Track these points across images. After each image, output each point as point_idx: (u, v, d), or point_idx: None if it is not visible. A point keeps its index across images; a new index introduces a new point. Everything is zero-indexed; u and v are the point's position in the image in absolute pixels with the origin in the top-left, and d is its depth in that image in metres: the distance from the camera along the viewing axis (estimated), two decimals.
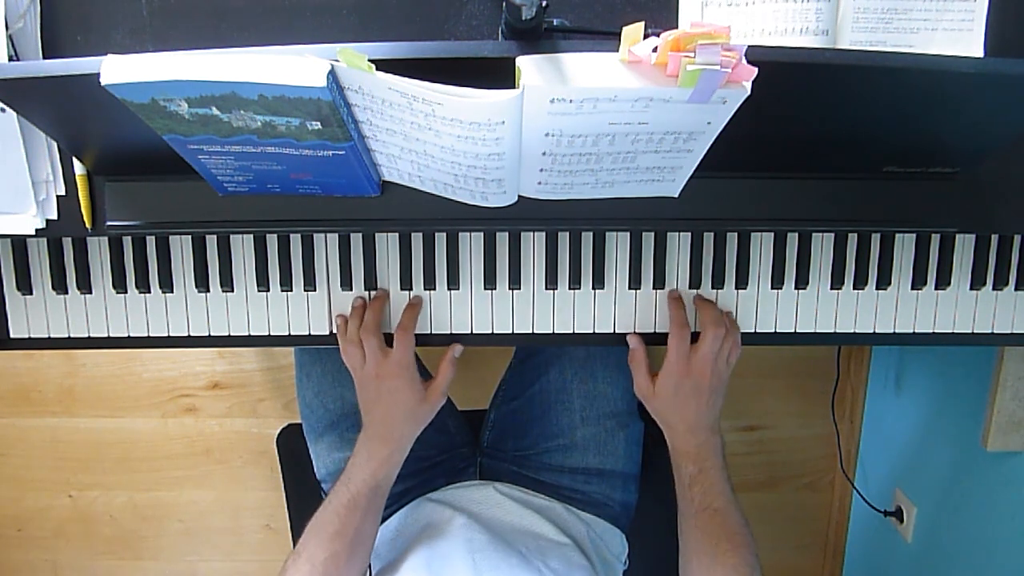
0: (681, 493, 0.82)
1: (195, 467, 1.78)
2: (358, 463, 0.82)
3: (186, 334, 0.84)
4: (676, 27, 0.62)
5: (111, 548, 1.84)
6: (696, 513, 0.79)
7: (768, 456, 1.74)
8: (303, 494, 1.14)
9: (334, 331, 0.84)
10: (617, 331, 0.84)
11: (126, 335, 0.84)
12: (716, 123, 0.57)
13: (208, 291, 0.83)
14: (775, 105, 0.58)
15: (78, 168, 0.74)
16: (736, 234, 0.82)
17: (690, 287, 0.83)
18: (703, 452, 0.80)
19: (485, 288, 0.83)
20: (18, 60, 0.69)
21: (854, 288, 0.84)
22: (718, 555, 0.76)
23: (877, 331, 0.85)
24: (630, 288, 0.83)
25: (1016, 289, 0.83)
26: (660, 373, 0.81)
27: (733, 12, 0.67)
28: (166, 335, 0.84)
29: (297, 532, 1.17)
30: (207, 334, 0.84)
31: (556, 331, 0.84)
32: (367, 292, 0.83)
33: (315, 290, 0.83)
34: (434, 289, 0.83)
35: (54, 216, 0.75)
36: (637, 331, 0.83)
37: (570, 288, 0.83)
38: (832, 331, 0.84)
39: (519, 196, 0.69)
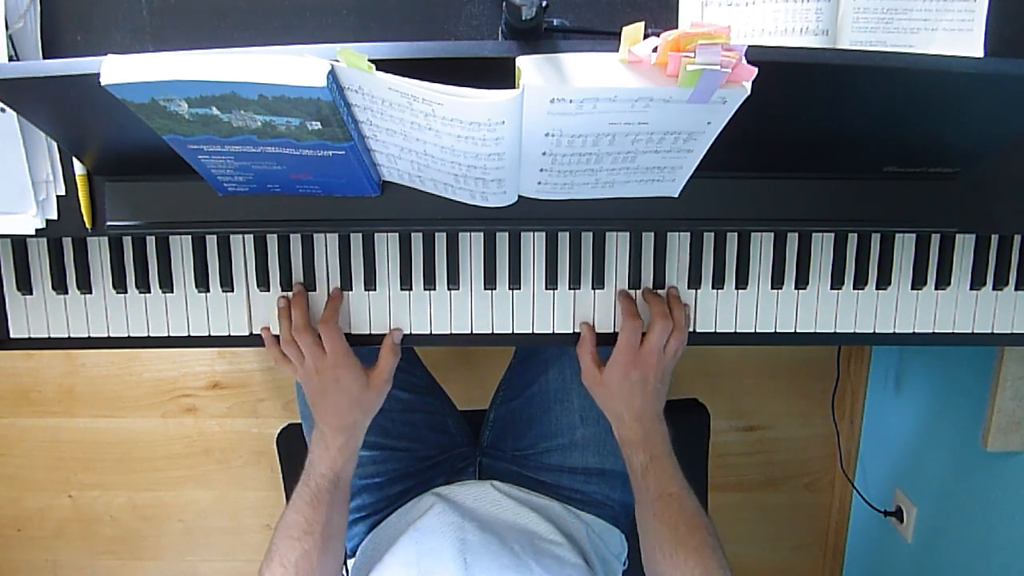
0: (635, 484, 0.83)
1: (195, 467, 1.78)
2: (315, 458, 0.83)
3: (186, 334, 0.84)
4: (676, 27, 0.62)
5: (111, 548, 1.84)
6: (653, 501, 0.80)
7: (768, 456, 1.74)
8: None
9: None
10: (617, 331, 0.84)
11: (126, 335, 0.84)
12: (716, 123, 0.57)
13: (208, 291, 0.83)
14: (775, 105, 0.58)
15: (78, 168, 0.74)
16: (736, 234, 0.82)
17: (689, 287, 0.83)
18: (651, 440, 0.82)
19: (485, 288, 0.83)
20: (18, 60, 0.69)
21: (854, 288, 0.84)
22: (679, 539, 0.77)
23: (877, 331, 0.85)
24: (630, 288, 0.83)
25: (1016, 289, 0.83)
26: (608, 363, 0.82)
27: (733, 12, 0.67)
28: (166, 335, 0.84)
29: None
30: (207, 334, 0.84)
31: (556, 331, 0.84)
32: (287, 291, 0.83)
33: (315, 290, 0.83)
34: (434, 289, 0.83)
35: (54, 216, 0.75)
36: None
37: (570, 288, 0.83)
38: (832, 331, 0.85)
39: (519, 196, 0.69)
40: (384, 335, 0.83)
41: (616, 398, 0.82)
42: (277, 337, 0.83)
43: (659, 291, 0.83)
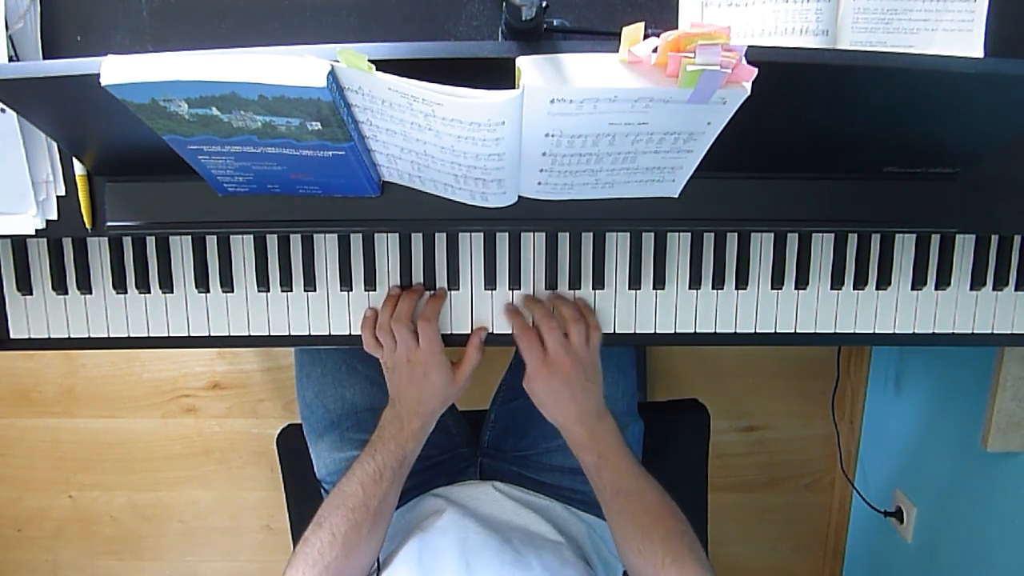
0: (593, 484, 0.84)
1: (195, 467, 1.78)
2: (386, 435, 0.84)
3: (186, 334, 0.84)
4: (676, 27, 0.62)
5: (111, 548, 1.84)
6: (612, 499, 0.81)
7: (768, 456, 1.75)
8: (303, 494, 1.14)
9: (334, 332, 0.84)
10: (617, 331, 0.84)
11: (126, 335, 0.84)
12: (716, 123, 0.57)
13: (208, 291, 0.83)
14: (775, 105, 0.58)
15: (78, 168, 0.74)
16: (736, 234, 0.82)
17: (690, 287, 0.83)
18: (597, 438, 0.82)
19: (485, 288, 0.83)
20: (18, 60, 0.69)
21: (854, 288, 0.84)
22: (644, 532, 0.78)
23: (877, 331, 0.85)
24: (630, 288, 0.83)
25: (1016, 289, 0.83)
26: (525, 380, 0.83)
27: (733, 12, 0.67)
28: (166, 335, 0.84)
29: (297, 532, 1.17)
30: (207, 334, 0.84)
31: None
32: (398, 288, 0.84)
33: (315, 290, 0.83)
34: (434, 290, 0.83)
35: (54, 216, 0.75)
36: (637, 331, 0.84)
37: (570, 288, 0.83)
38: (832, 331, 0.84)
39: (519, 196, 0.70)
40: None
41: (548, 407, 0.83)
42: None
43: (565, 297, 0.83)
